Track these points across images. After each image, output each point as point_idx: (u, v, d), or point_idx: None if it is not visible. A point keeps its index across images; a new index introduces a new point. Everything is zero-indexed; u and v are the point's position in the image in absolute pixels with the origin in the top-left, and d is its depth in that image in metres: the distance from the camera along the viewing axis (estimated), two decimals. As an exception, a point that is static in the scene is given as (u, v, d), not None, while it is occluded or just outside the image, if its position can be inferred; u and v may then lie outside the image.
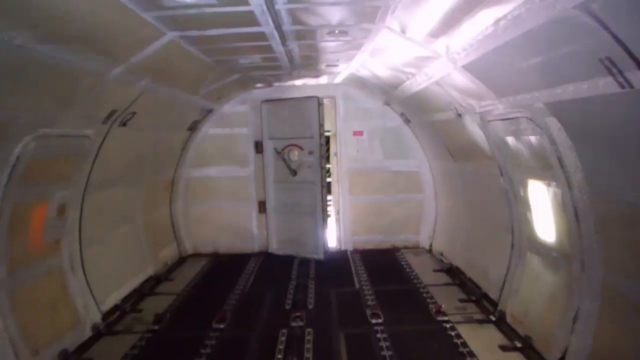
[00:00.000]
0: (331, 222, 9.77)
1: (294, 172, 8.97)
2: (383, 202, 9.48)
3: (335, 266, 8.52)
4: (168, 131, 7.91)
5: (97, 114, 5.40)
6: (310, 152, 8.74)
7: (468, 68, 4.71)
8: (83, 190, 5.82)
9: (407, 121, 8.94)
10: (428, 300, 6.68)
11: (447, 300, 6.60)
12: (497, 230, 6.38)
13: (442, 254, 8.48)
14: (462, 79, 5.07)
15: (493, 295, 6.32)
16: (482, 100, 5.20)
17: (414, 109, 7.93)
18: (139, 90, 5.74)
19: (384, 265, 8.51)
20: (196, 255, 9.51)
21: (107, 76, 4.84)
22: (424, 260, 8.73)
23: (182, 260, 9.17)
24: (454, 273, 7.68)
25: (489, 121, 5.47)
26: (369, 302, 6.64)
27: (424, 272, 7.96)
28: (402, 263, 8.50)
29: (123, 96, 5.60)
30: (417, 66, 5.72)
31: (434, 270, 8.00)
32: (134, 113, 6.13)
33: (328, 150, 10.30)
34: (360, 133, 9.36)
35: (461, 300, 6.66)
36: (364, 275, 7.87)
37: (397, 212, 9.49)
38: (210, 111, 8.97)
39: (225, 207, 9.56)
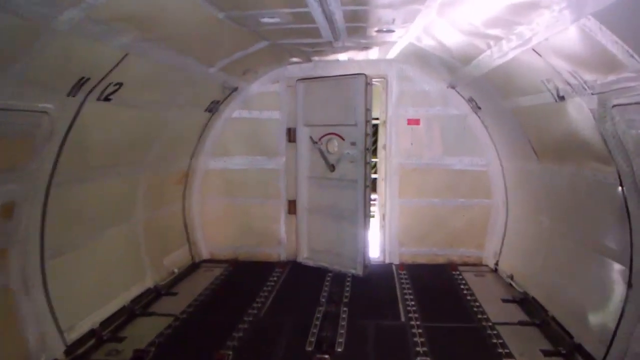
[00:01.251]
0: (374, 227, 8.05)
1: (332, 167, 7.33)
2: (440, 208, 7.71)
3: (376, 286, 6.86)
4: (179, 112, 6.41)
5: (56, 82, 3.93)
6: (353, 143, 7.07)
7: (602, 17, 2.92)
8: (46, 183, 4.40)
9: (476, 108, 7.10)
10: (499, 349, 4.93)
11: (524, 351, 4.85)
12: (600, 256, 4.57)
13: (512, 278, 6.66)
14: (581, 39, 3.29)
15: (592, 349, 4.52)
16: (611, 72, 3.38)
17: (490, 91, 6.10)
18: (120, 51, 4.24)
19: (437, 287, 6.78)
20: (212, 262, 8.05)
21: (55, 23, 3.33)
22: (489, 283, 6.93)
23: (194, 266, 7.73)
24: (530, 306, 5.86)
25: (614, 106, 3.65)
26: (418, 348, 4.94)
27: (490, 301, 6.18)
28: (461, 286, 6.74)
29: (94, 58, 4.10)
30: (508, 24, 3.94)
31: (503, 300, 6.19)
32: (120, 84, 4.64)
33: (375, 141, 8.59)
34: (416, 122, 7.60)
35: (546, 353, 4.87)
36: (412, 301, 6.17)
37: (457, 221, 7.71)
38: (234, 90, 7.42)
39: (249, 205, 8.05)
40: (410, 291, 6.56)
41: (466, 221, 7.69)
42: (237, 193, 8.03)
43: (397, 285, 6.82)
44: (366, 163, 6.97)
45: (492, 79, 5.58)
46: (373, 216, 8.59)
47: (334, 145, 7.34)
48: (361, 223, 7.06)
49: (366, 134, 6.91)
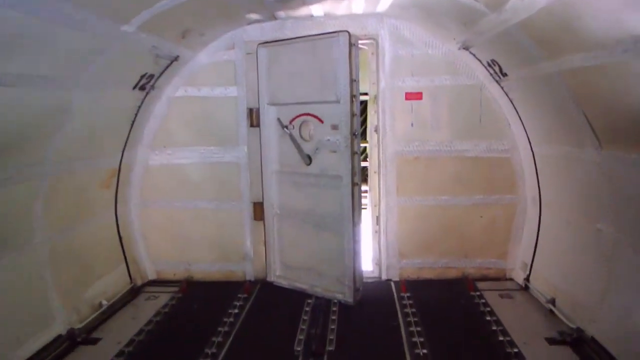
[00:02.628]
0: (366, 234, 6.28)
1: (309, 159, 5.50)
2: (450, 207, 5.94)
3: (372, 319, 5.11)
4: (90, 90, 4.51)
5: None
6: (335, 127, 5.24)
7: None
8: None
9: (498, 75, 5.28)
10: None
11: None
12: None
13: (553, 303, 4.94)
14: None
15: None
16: None
17: (525, 48, 4.27)
18: None
19: (453, 318, 5.06)
20: (159, 284, 6.25)
21: None
22: (520, 309, 5.22)
23: (134, 292, 5.90)
24: (589, 351, 4.16)
25: None
26: None
27: (529, 339, 4.50)
28: (485, 315, 5.01)
29: None
30: None
31: (549, 341, 4.46)
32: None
33: (364, 123, 6.77)
34: (418, 96, 5.77)
35: None
36: (421, 337, 4.50)
37: (472, 223, 5.96)
38: (174, 59, 5.51)
39: (203, 210, 6.22)
40: (416, 322, 4.86)
41: (484, 223, 5.94)
42: (187, 194, 6.20)
43: (400, 314, 5.09)
44: (354, 153, 5.15)
45: (534, 28, 3.78)
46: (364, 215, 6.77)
47: (310, 129, 5.50)
48: (349, 233, 5.26)
49: (352, 114, 5.07)
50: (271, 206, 5.95)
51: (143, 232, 6.26)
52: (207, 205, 6.18)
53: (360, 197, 5.32)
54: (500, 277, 6.00)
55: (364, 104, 6.47)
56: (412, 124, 5.81)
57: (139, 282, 6.16)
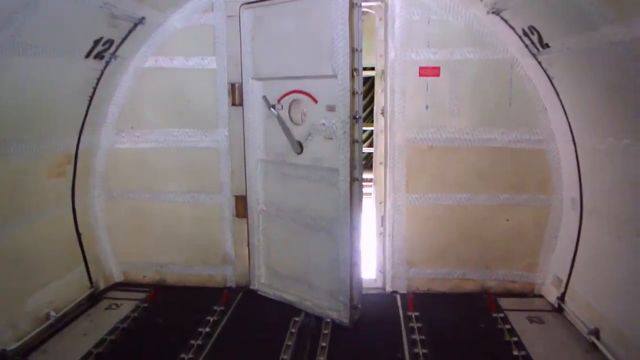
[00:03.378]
0: (369, 237, 5.32)
1: (299, 146, 4.53)
2: (469, 208, 4.95)
3: (370, 344, 4.20)
4: (26, 57, 3.56)
5: None
6: (331, 108, 4.23)
7: None
8: None
9: (536, 47, 4.22)
10: None
11: None
12: None
13: (597, 335, 3.95)
14: None
15: None
16: None
17: (579, 9, 3.21)
18: None
19: (470, 349, 4.09)
20: (125, 287, 5.37)
21: None
22: (555, 340, 4.26)
23: (94, 299, 5.02)
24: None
25: None
26: None
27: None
28: (511, 348, 4.04)
29: None
30: None
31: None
32: None
33: (369, 104, 5.72)
34: (434, 71, 4.74)
35: None
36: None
37: (497, 227, 4.97)
38: (137, 23, 4.52)
39: (178, 204, 5.28)
40: (427, 352, 3.89)
41: (510, 228, 4.95)
42: (159, 185, 5.26)
43: (406, 345, 4.13)
44: (354, 141, 4.14)
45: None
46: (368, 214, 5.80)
47: (301, 110, 4.51)
48: (346, 239, 4.29)
49: (353, 92, 4.06)
50: (256, 201, 4.99)
51: (108, 228, 5.34)
52: (182, 198, 5.24)
53: (361, 196, 4.32)
54: (527, 293, 5.02)
55: (370, 81, 5.42)
56: (426, 107, 4.79)
57: (102, 286, 5.28)
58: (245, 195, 5.02)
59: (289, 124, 4.57)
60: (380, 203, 5.18)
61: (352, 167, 4.16)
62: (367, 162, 7.88)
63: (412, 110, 4.80)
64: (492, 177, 4.87)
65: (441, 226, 5.02)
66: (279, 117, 4.57)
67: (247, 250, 5.16)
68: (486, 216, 4.95)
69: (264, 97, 4.66)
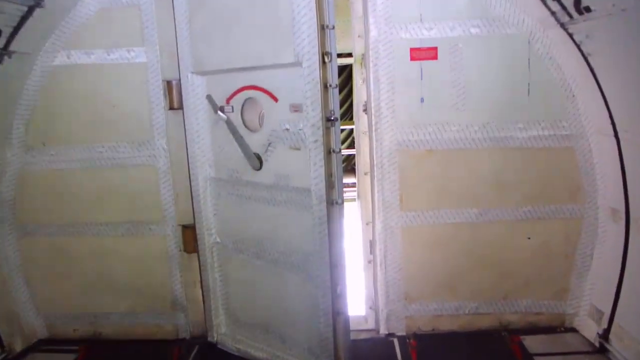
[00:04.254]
0: (355, 266, 4.24)
1: (258, 160, 3.39)
2: (483, 225, 3.88)
3: None
4: None
5: None
6: (296, 108, 3.11)
7: None
8: None
9: (568, 13, 3.14)
10: None
11: None
12: None
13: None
14: None
15: None
16: None
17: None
18: None
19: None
20: (50, 347, 4.22)
21: None
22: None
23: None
24: None
25: None
26: None
27: None
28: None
29: None
30: None
31: None
32: None
33: (348, 99, 4.64)
34: (430, 53, 3.65)
35: None
36: None
37: (517, 247, 3.94)
38: (34, 5, 3.36)
39: (111, 238, 4.13)
40: None
41: (533, 248, 3.91)
42: (85, 216, 4.10)
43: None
44: (330, 151, 3.03)
45: None
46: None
47: (257, 112, 3.38)
48: (325, 280, 3.18)
49: (325, 85, 2.96)
50: (207, 232, 3.86)
51: (24, 272, 4.17)
52: (116, 231, 4.09)
53: (342, 223, 3.21)
54: (557, 327, 4.01)
55: (347, 71, 4.31)
56: (422, 99, 3.69)
57: (19, 347, 4.13)
58: (194, 224, 3.88)
59: (242, 130, 3.45)
60: (368, 224, 4.08)
61: (329, 186, 3.05)
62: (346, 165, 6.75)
63: (403, 104, 3.71)
64: (508, 185, 3.81)
65: (446, 250, 3.95)
66: (228, 123, 3.44)
67: (200, 293, 4.02)
68: (503, 234, 3.90)
69: (209, 97, 3.52)
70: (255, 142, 3.41)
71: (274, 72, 3.19)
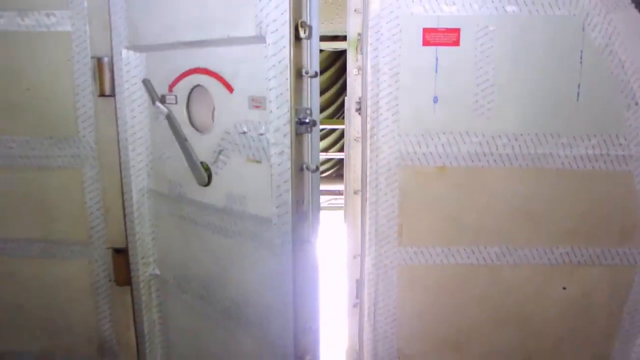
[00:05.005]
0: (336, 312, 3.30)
1: (205, 173, 2.42)
2: (504, 268, 2.94)
3: None
4: None
5: None
6: (258, 102, 2.15)
7: None
8: None
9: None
10: None
11: None
12: None
13: None
14: None
15: None
16: None
17: None
18: None
19: None
20: None
21: None
22: None
23: None
24: None
25: None
26: None
27: None
28: None
29: None
30: None
31: None
32: None
33: (341, 96, 3.73)
34: (450, 36, 2.68)
35: None
36: None
37: (547, 299, 2.99)
38: None
39: (20, 261, 3.18)
40: None
41: (569, 300, 2.98)
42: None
43: None
44: (303, 169, 2.08)
45: None
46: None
47: (208, 105, 2.42)
48: (287, 348, 2.23)
49: (298, 71, 2.02)
50: (143, 260, 2.93)
51: None
52: (26, 252, 3.14)
53: (314, 269, 2.27)
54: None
55: (341, 60, 3.36)
56: (435, 99, 2.74)
57: None
58: (127, 248, 2.94)
59: (188, 130, 2.51)
60: (355, 257, 3.15)
61: (299, 219, 2.11)
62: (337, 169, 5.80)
63: (410, 104, 2.75)
64: (542, 218, 2.88)
65: (454, 298, 3.02)
66: (169, 118, 2.50)
67: (133, 336, 3.09)
68: (530, 282, 2.97)
69: (146, 82, 2.58)
70: (204, 147, 2.47)
71: (229, 50, 2.25)
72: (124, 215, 2.91)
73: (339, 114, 6.06)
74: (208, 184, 2.46)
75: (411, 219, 2.90)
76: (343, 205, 3.90)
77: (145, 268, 2.94)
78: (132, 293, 3.01)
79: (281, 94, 1.99)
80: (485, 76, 2.70)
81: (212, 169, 2.44)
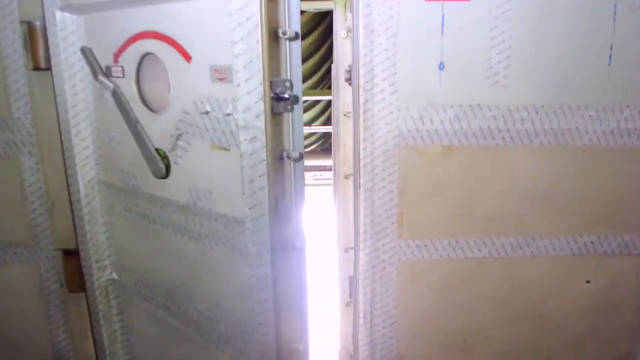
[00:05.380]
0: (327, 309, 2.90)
1: (162, 163, 1.95)
2: (519, 261, 2.54)
3: None
4: None
5: None
6: (221, 74, 1.66)
7: None
8: None
9: None
10: None
11: None
12: None
13: None
14: None
15: None
16: None
17: None
18: None
19: None
20: None
21: None
22: None
23: None
24: None
25: None
26: None
27: None
28: None
29: None
30: None
31: None
32: None
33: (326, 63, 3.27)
34: (462, -13, 2.20)
35: None
36: None
37: (568, 294, 2.61)
38: None
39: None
40: None
41: (592, 295, 2.62)
42: None
43: None
44: (284, 157, 1.61)
45: None
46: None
47: (162, 78, 1.92)
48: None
49: (272, 33, 1.51)
50: (98, 263, 2.49)
51: None
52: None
53: (301, 278, 1.84)
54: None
55: (327, 21, 2.89)
56: (441, 65, 2.28)
57: None
58: (77, 249, 2.48)
59: (138, 109, 2.02)
60: (347, 251, 2.73)
61: (279, 220, 1.66)
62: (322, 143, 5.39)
63: (410, 72, 2.29)
64: (565, 203, 2.47)
65: (463, 295, 2.63)
66: (115, 95, 2.01)
67: (94, 349, 2.67)
68: (550, 275, 2.59)
69: (85, 51, 2.07)
70: (160, 130, 1.99)
71: (185, 7, 1.75)
72: (72, 211, 2.43)
73: (323, 83, 5.56)
74: (166, 175, 1.99)
75: (412, 208, 2.47)
76: (331, 184, 3.46)
77: (100, 272, 2.49)
78: (87, 301, 2.56)
79: (251, 61, 1.52)
80: (501, 37, 2.24)
81: (171, 157, 1.97)
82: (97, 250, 2.46)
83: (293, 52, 1.68)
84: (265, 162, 1.57)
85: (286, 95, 1.60)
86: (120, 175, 2.23)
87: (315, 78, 5.64)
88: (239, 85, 1.57)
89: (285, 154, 1.68)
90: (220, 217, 1.85)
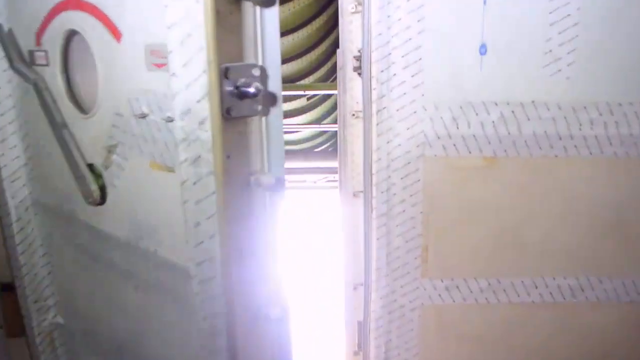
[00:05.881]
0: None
1: (95, 183, 1.38)
2: (581, 307, 1.92)
3: None
4: None
5: None
6: (159, 58, 1.07)
7: None
8: None
9: None
10: None
11: None
12: None
13: None
14: None
15: None
16: None
17: None
18: None
19: None
20: None
21: None
22: None
23: None
24: None
25: None
26: None
27: None
28: None
29: None
30: None
31: None
32: None
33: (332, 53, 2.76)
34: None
35: None
36: None
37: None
38: None
39: None
40: None
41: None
42: None
43: None
44: (250, 184, 1.04)
45: None
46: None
47: (89, 71, 1.36)
48: None
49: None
50: (38, 303, 1.95)
51: None
52: None
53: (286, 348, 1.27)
54: None
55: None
56: (482, 48, 1.68)
57: None
58: (14, 284, 1.96)
59: (66, 108, 1.46)
60: (355, 288, 2.15)
61: (244, 279, 1.08)
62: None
63: (441, 58, 1.71)
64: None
65: (505, 351, 2.03)
66: (36, 90, 1.46)
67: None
68: (624, 323, 1.98)
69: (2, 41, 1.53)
70: (90, 138, 1.44)
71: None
72: (4, 239, 1.91)
73: (333, 76, 4.95)
74: (102, 201, 1.44)
75: (441, 238, 1.90)
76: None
77: (40, 314, 1.97)
78: (28, 348, 2.04)
79: (189, 35, 0.95)
80: (564, 11, 1.62)
81: (106, 177, 1.41)
82: (36, 288, 1.94)
83: (267, 24, 1.10)
84: (215, 195, 1.00)
85: (252, 90, 1.03)
86: (56, 196, 1.70)
87: (324, 70, 5.01)
88: (174, 74, 1.00)
89: (253, 179, 1.11)
90: (166, 265, 1.30)
